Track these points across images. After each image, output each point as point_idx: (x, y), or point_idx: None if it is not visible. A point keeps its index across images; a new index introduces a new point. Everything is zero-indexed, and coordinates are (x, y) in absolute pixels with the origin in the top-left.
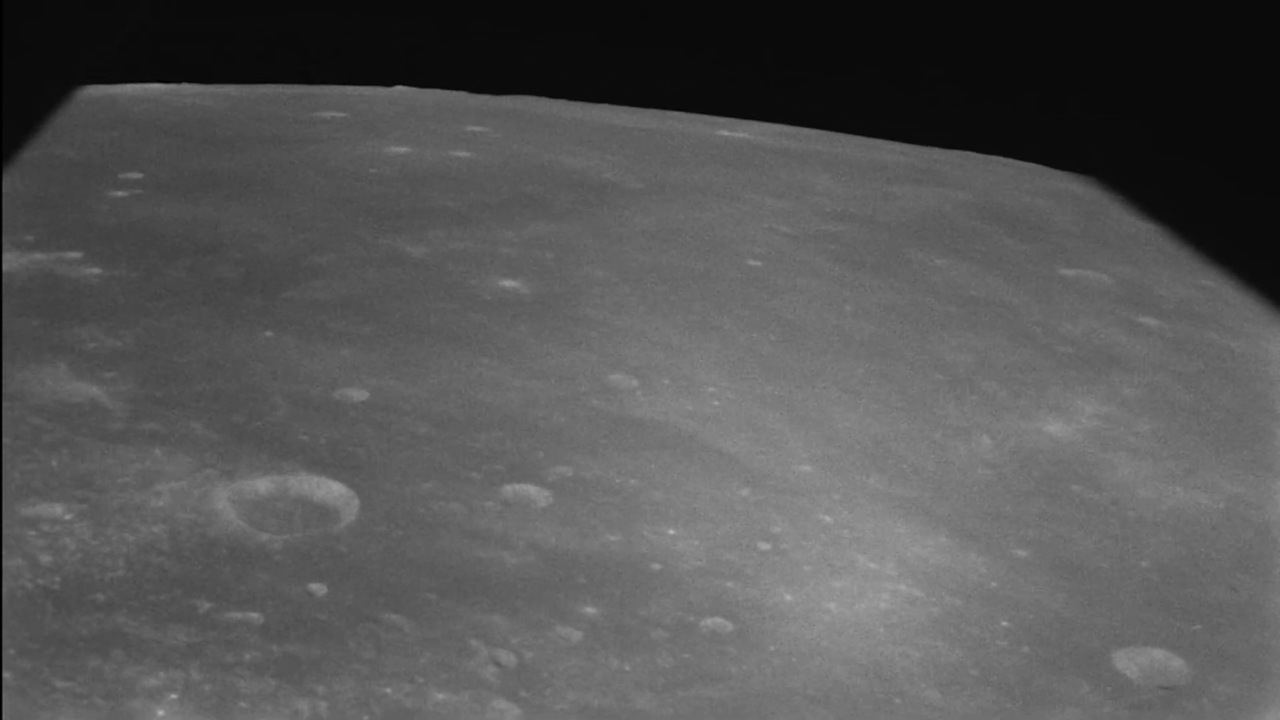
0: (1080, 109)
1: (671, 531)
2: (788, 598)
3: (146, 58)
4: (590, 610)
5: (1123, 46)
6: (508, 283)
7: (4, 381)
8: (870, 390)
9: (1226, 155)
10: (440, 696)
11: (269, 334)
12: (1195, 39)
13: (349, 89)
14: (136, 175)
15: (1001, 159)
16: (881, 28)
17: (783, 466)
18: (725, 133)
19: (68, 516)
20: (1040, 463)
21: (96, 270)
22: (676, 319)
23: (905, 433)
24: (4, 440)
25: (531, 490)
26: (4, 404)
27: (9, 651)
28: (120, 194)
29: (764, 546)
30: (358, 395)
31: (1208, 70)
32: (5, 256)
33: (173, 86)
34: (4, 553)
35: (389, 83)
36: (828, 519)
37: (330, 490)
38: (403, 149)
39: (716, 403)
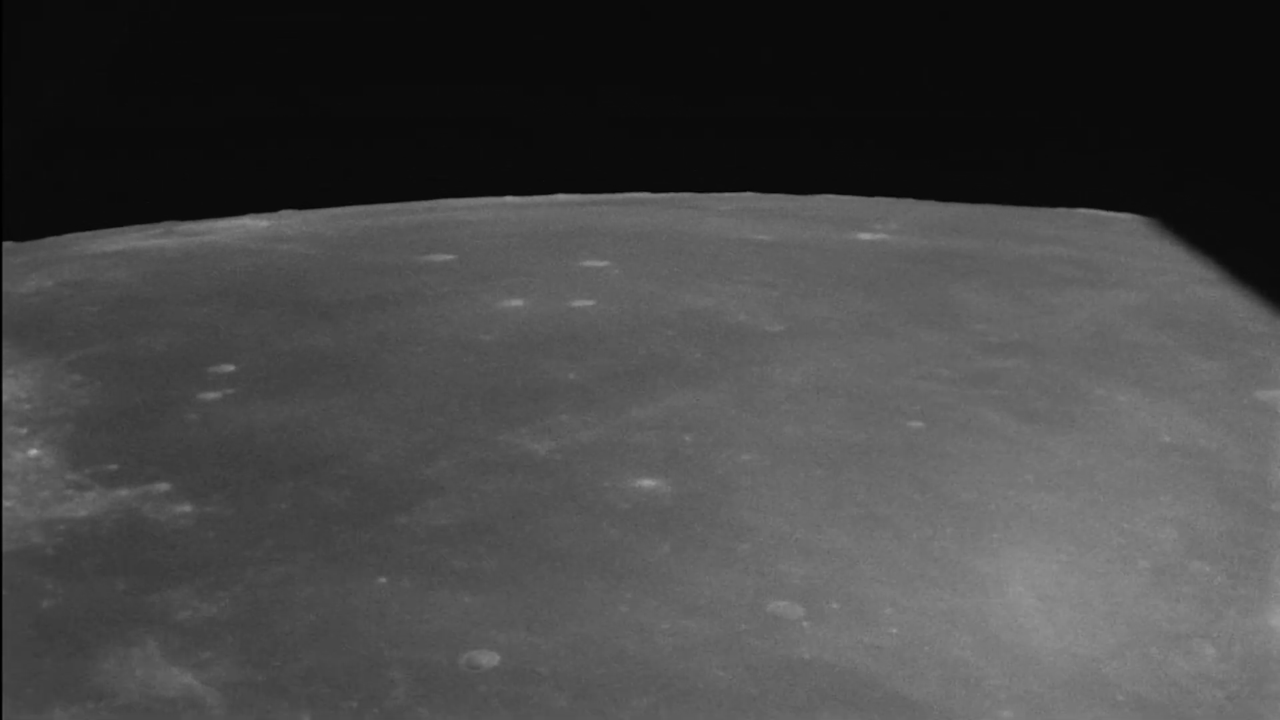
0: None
1: None
2: None
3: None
4: None
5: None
6: (645, 482)
7: (90, 670)
8: (1067, 593)
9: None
10: None
11: (383, 580)
12: (1197, 51)
13: (456, 208)
14: (229, 368)
15: (1111, 214)
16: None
17: (981, 714)
18: (865, 236)
19: None
20: (1276, 674)
21: (187, 508)
22: (839, 514)
23: (1114, 648)
24: None
25: None
26: (89, 703)
27: None
28: (211, 395)
29: None
30: (487, 660)
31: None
32: (89, 496)
33: (270, 223)
34: None
35: (495, 180)
36: None
37: None
38: (517, 302)
39: (894, 629)
